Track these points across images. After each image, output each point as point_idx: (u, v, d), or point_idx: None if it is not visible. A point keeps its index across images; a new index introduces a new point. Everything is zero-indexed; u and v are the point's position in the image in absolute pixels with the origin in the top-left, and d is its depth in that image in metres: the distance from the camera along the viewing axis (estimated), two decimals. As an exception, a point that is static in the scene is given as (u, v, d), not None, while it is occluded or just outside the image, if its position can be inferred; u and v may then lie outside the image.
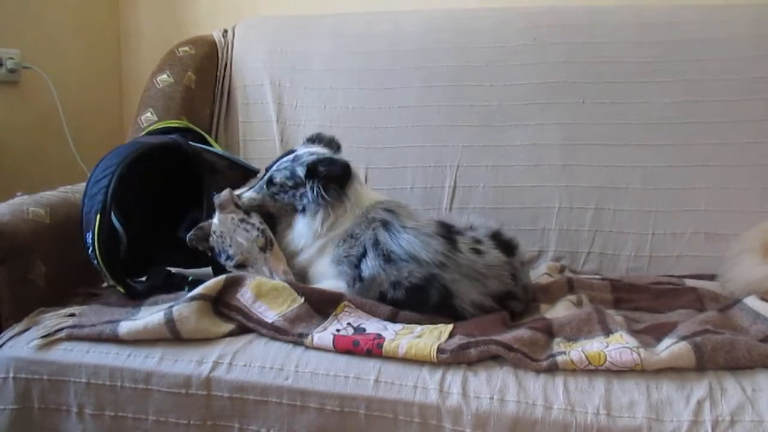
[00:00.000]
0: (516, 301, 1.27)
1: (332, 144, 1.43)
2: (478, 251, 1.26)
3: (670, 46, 1.71)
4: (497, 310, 1.23)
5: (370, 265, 1.25)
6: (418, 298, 1.22)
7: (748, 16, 1.73)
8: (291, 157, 1.37)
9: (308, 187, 1.31)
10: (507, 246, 1.30)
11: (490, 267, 1.24)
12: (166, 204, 1.54)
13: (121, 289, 1.33)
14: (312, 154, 1.36)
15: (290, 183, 1.34)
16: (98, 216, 1.30)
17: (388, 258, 1.24)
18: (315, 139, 1.45)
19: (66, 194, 1.45)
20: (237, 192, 1.37)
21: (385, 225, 1.29)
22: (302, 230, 1.34)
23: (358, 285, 1.26)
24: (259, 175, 1.45)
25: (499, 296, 1.24)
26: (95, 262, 1.32)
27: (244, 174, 1.56)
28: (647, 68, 1.70)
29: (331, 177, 1.30)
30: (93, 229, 1.30)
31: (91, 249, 1.31)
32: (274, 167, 1.37)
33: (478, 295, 1.22)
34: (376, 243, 1.26)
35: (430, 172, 1.74)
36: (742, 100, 1.65)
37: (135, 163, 1.40)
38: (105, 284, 1.39)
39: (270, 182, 1.35)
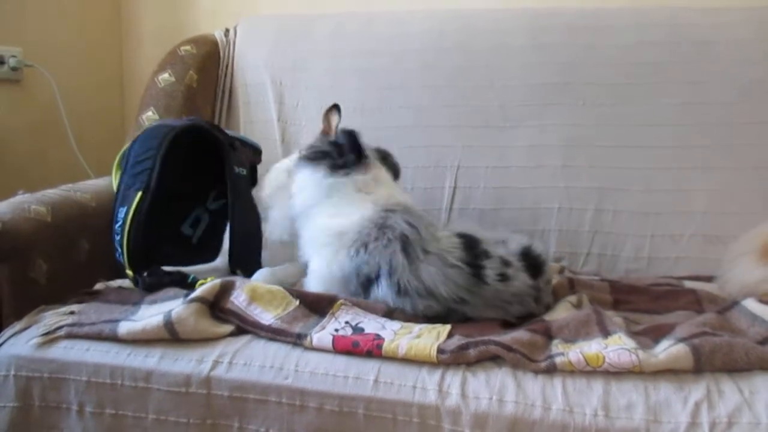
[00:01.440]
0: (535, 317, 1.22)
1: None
2: (505, 277, 1.18)
3: (670, 48, 1.72)
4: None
5: (380, 294, 1.20)
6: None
7: (749, 18, 1.74)
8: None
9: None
10: (536, 265, 1.23)
11: (515, 295, 1.19)
12: (170, 198, 1.55)
13: (130, 273, 1.33)
14: None
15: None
16: (139, 194, 1.32)
17: (403, 291, 1.17)
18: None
19: (68, 192, 1.46)
20: None
21: (405, 247, 1.18)
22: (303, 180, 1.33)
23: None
24: None
25: (521, 317, 1.21)
26: (117, 238, 1.32)
27: (253, 151, 1.61)
28: (647, 70, 1.70)
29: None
30: (130, 204, 1.32)
31: (120, 224, 1.32)
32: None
33: (498, 318, 1.19)
34: (392, 271, 1.17)
35: (430, 173, 1.74)
36: (742, 103, 1.65)
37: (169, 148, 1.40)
38: (100, 285, 1.40)
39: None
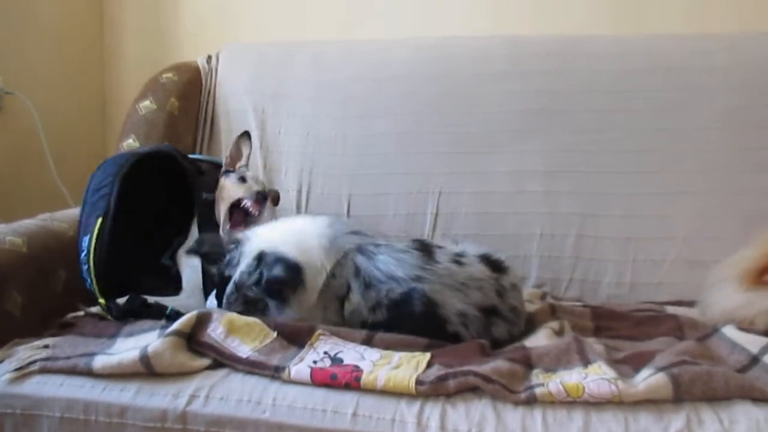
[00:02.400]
0: (501, 321, 1.25)
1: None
2: (459, 263, 1.25)
3: (649, 74, 1.74)
4: (484, 324, 1.22)
5: (353, 301, 1.24)
6: (401, 313, 1.21)
7: (727, 45, 1.76)
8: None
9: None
10: (495, 265, 1.29)
11: (472, 278, 1.23)
12: (149, 229, 1.55)
13: (102, 302, 1.31)
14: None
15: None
16: (100, 219, 1.31)
17: (368, 285, 1.23)
18: None
19: (45, 222, 1.44)
20: None
21: (360, 249, 1.26)
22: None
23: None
24: None
25: (484, 309, 1.23)
26: (85, 268, 1.31)
27: None
28: (627, 96, 1.72)
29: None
30: (91, 232, 1.30)
31: (84, 253, 1.30)
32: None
33: (463, 305, 1.21)
34: (357, 272, 1.25)
35: (412, 199, 1.74)
36: (720, 128, 1.67)
37: (129, 173, 1.41)
38: (82, 312, 1.38)
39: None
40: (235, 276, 1.27)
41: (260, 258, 1.26)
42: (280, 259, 1.25)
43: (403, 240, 1.31)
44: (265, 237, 1.31)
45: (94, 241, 1.30)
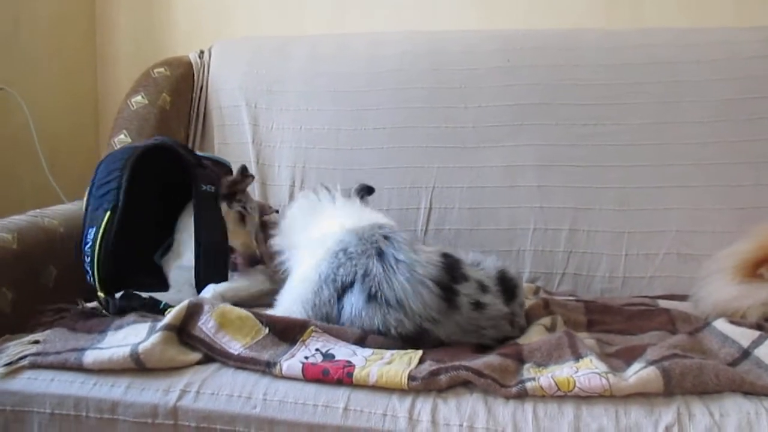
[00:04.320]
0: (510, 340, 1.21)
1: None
2: (479, 305, 1.17)
3: (641, 68, 1.74)
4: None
5: (352, 302, 1.19)
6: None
7: (720, 38, 1.77)
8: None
9: None
10: (510, 288, 1.23)
11: (490, 320, 1.18)
12: (144, 225, 1.54)
13: (101, 295, 1.31)
14: None
15: None
16: (108, 213, 1.30)
17: (372, 297, 1.16)
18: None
19: (35, 218, 1.44)
20: None
21: (380, 254, 1.19)
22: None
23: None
24: None
25: (496, 341, 1.19)
26: (88, 260, 1.30)
27: (227, 171, 1.59)
28: (619, 90, 1.72)
29: None
30: (99, 224, 1.30)
31: (89, 245, 1.30)
32: None
33: (477, 342, 1.18)
34: (366, 275, 1.18)
35: (405, 194, 1.74)
36: (713, 122, 1.67)
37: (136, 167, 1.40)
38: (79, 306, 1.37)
39: None
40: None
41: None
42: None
43: (429, 263, 1.18)
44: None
45: (101, 234, 1.29)
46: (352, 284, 1.19)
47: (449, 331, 1.16)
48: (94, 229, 1.31)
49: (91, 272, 1.32)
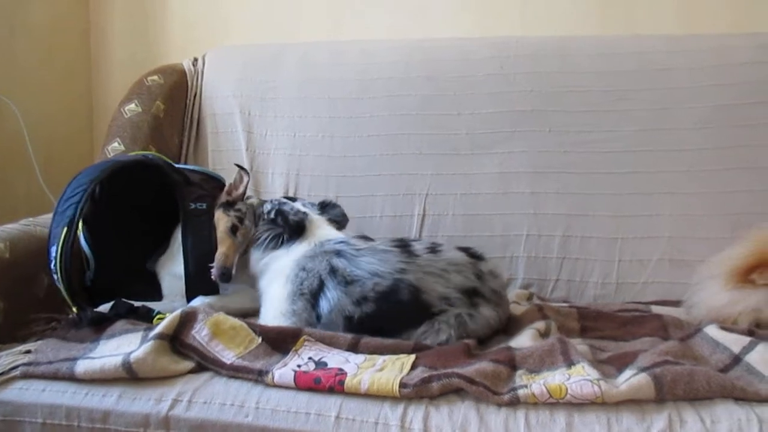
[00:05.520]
0: (485, 302, 1.27)
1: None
2: (434, 251, 1.30)
3: (634, 75, 1.74)
4: (467, 306, 1.24)
5: (330, 297, 1.26)
6: (390, 302, 1.23)
7: (711, 45, 1.77)
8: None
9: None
10: (473, 254, 1.33)
11: (450, 263, 1.28)
12: (138, 234, 1.54)
13: (74, 310, 1.31)
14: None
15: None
16: (65, 229, 1.30)
17: (349, 281, 1.26)
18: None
19: (28, 227, 1.43)
20: None
21: (339, 253, 1.30)
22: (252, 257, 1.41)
23: (318, 327, 1.26)
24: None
25: (466, 291, 1.25)
26: (56, 277, 1.30)
27: (219, 186, 1.57)
28: (612, 97, 1.73)
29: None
30: (58, 242, 1.29)
31: (53, 263, 1.30)
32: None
33: (444, 289, 1.24)
34: (333, 271, 1.28)
35: (399, 201, 1.75)
36: (706, 128, 1.68)
37: (109, 182, 1.42)
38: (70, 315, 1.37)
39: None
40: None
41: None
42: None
43: (383, 242, 1.35)
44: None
45: (60, 250, 1.29)
46: (322, 287, 1.28)
47: (417, 275, 1.25)
48: (55, 247, 1.31)
49: (61, 288, 1.32)
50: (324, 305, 1.26)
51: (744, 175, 1.64)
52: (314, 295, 1.28)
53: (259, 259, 1.40)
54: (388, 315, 1.24)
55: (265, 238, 1.39)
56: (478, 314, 1.26)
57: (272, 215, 1.42)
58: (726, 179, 1.64)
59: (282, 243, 1.38)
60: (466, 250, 1.33)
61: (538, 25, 2.02)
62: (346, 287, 1.25)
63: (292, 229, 1.38)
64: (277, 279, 1.35)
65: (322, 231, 1.41)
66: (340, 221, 1.47)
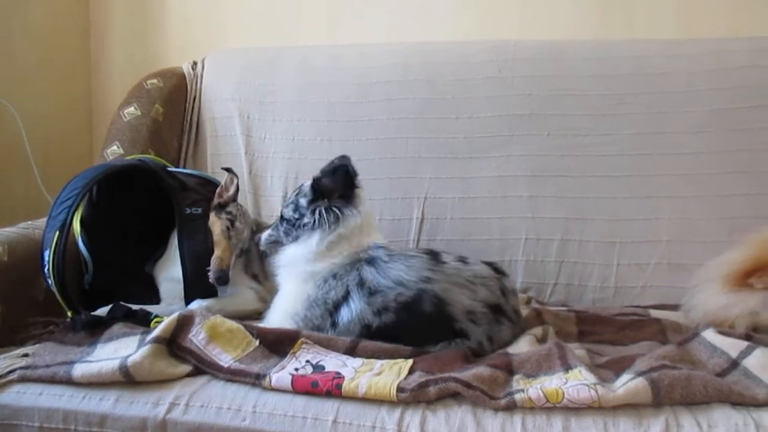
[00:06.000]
0: (507, 321, 1.26)
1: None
2: (464, 261, 1.29)
3: (632, 79, 1.75)
4: (490, 320, 1.23)
5: (353, 308, 1.24)
6: (411, 312, 1.21)
7: (708, 49, 1.77)
8: (296, 190, 1.39)
9: (309, 211, 1.31)
10: (496, 268, 1.32)
11: (478, 276, 1.26)
12: (136, 237, 1.54)
13: (69, 313, 1.31)
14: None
15: (296, 215, 1.34)
16: (57, 233, 1.30)
17: (373, 291, 1.24)
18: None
19: (26, 231, 1.44)
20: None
21: (370, 261, 1.27)
22: (291, 251, 1.34)
23: (330, 331, 1.25)
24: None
25: (491, 306, 1.24)
26: (49, 281, 1.31)
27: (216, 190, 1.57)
28: (610, 101, 1.73)
29: (332, 185, 1.33)
30: (50, 247, 1.30)
31: (47, 267, 1.30)
32: (284, 204, 1.41)
33: (470, 302, 1.23)
34: (362, 283, 1.25)
35: (397, 204, 1.75)
36: (703, 132, 1.68)
37: (107, 185, 1.43)
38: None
39: (281, 219, 1.37)
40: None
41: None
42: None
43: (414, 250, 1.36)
44: None
45: (52, 255, 1.29)
46: (346, 297, 1.24)
47: (443, 286, 1.22)
48: (48, 252, 1.31)
49: (55, 291, 1.32)
50: (345, 315, 1.25)
51: (742, 179, 1.64)
52: (336, 306, 1.26)
53: (322, 238, 1.29)
54: (408, 326, 1.22)
55: (320, 215, 1.29)
56: (498, 338, 1.25)
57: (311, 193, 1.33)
58: (724, 183, 1.65)
59: (340, 217, 1.30)
60: (490, 265, 1.32)
61: (537, 26, 2.02)
62: (368, 297, 1.24)
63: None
64: (300, 276, 1.30)
65: (365, 238, 1.33)
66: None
